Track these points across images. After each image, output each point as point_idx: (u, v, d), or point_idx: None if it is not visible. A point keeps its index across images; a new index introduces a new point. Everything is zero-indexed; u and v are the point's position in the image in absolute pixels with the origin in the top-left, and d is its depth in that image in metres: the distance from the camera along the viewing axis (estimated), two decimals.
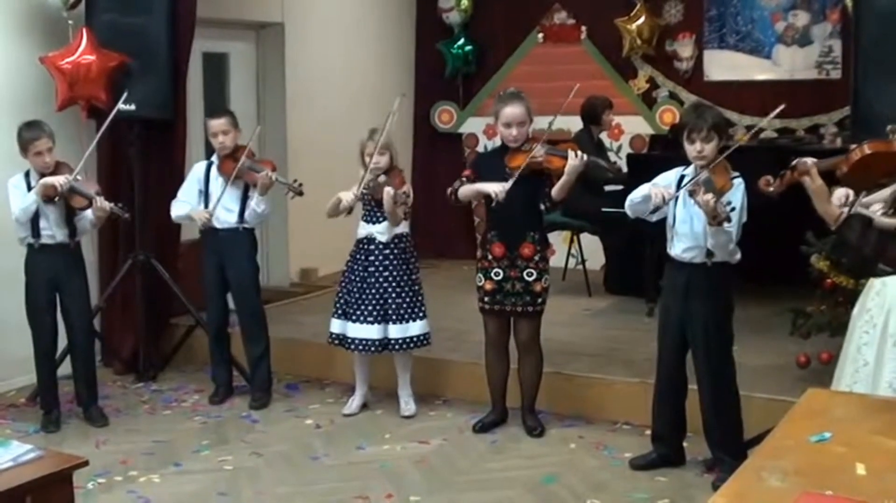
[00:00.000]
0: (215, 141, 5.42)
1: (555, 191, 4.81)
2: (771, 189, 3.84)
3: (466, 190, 4.97)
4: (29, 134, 4.99)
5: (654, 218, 4.38)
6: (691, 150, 4.24)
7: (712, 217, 4.06)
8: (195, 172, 5.59)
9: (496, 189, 4.80)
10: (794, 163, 3.73)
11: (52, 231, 5.08)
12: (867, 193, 3.53)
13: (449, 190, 4.99)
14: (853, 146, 3.60)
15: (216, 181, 5.43)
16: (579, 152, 4.73)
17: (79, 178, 5.03)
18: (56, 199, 4.98)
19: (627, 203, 4.45)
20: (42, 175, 4.99)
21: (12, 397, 5.74)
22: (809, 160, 3.72)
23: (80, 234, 5.21)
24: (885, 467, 2.43)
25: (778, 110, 4.36)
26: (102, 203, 5.02)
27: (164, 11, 5.83)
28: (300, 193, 5.36)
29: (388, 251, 5.24)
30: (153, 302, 6.21)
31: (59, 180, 4.92)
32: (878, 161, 3.44)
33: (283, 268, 7.94)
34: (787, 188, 3.81)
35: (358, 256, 5.29)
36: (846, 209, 3.58)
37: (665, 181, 4.40)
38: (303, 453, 4.88)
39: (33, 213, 5.02)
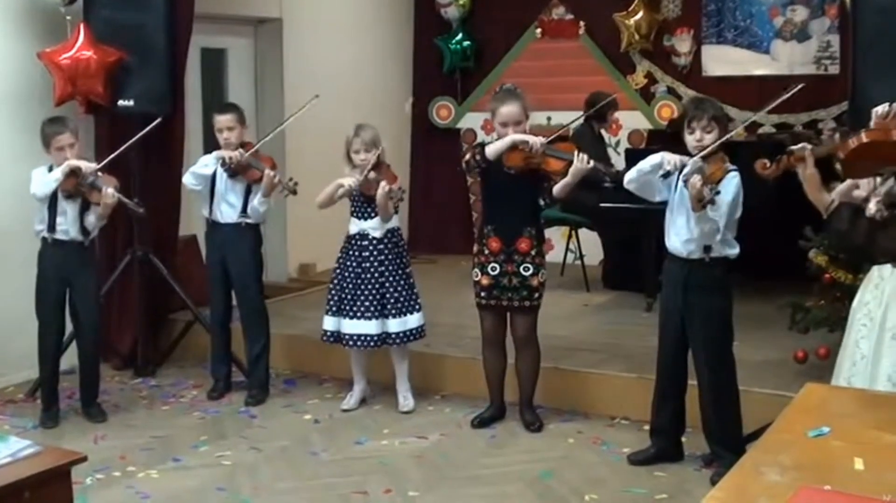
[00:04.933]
0: (220, 136, 5.40)
1: (557, 189, 4.80)
2: (767, 172, 3.83)
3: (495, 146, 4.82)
4: (51, 129, 4.99)
5: (659, 198, 4.36)
6: (691, 139, 4.25)
7: (697, 200, 4.06)
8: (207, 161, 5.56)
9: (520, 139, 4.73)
10: (790, 148, 3.72)
11: (67, 227, 5.05)
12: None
13: (468, 155, 4.89)
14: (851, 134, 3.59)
15: (221, 177, 5.41)
16: (584, 155, 4.71)
17: (99, 173, 5.02)
18: (76, 194, 4.96)
19: (633, 174, 4.38)
20: None
21: (10, 393, 5.73)
22: (808, 147, 3.70)
23: (92, 232, 5.16)
24: (884, 462, 2.43)
25: (797, 89, 4.32)
26: (107, 192, 4.95)
27: (162, 7, 5.82)
28: (294, 192, 5.35)
29: (382, 246, 5.23)
30: (151, 297, 6.22)
31: (84, 163, 4.91)
32: (875, 150, 3.42)
33: (282, 264, 7.95)
34: (783, 173, 3.80)
35: (351, 253, 5.27)
36: (836, 197, 3.59)
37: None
38: (301, 448, 4.89)
39: (51, 192, 4.93)
